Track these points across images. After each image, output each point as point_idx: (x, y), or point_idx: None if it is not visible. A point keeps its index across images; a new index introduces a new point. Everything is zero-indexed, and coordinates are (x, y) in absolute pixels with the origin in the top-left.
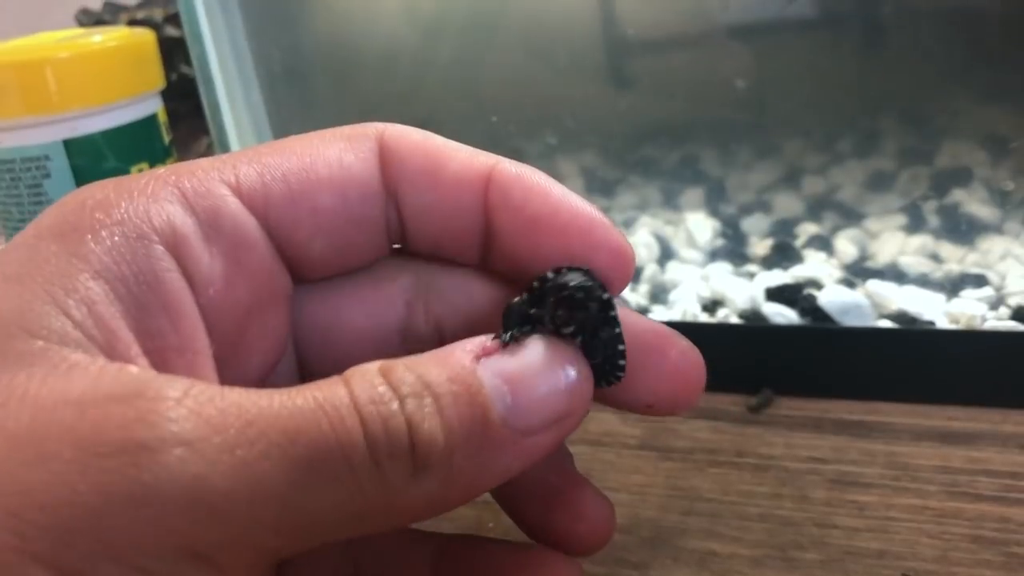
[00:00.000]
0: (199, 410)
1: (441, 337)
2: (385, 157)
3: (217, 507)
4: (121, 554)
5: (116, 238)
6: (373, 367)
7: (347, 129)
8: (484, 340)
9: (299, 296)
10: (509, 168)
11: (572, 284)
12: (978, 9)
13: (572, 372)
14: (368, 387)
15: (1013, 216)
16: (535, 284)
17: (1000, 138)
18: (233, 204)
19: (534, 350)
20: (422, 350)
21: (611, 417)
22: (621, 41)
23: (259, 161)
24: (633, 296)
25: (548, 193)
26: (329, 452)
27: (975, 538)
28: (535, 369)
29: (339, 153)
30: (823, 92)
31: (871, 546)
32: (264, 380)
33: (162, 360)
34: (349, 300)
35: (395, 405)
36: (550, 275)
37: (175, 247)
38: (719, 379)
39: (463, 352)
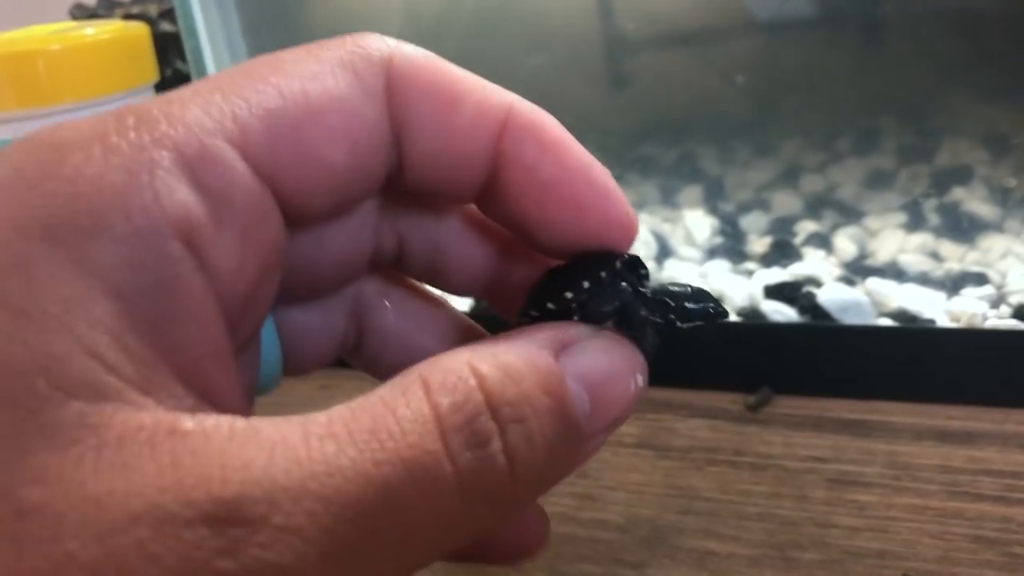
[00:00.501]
0: (288, 525)
1: (402, 252)
2: (394, 94)
3: None
4: None
5: (129, 238)
6: (465, 373)
7: (349, 52)
8: (561, 331)
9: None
10: (525, 115)
11: (711, 308)
12: (978, 8)
13: (641, 380)
14: (463, 423)
15: (1014, 214)
16: (604, 276)
17: (1001, 136)
18: (242, 173)
19: (613, 355)
20: (384, 266)
21: None
22: (620, 38)
23: (262, 107)
24: None
25: (564, 154)
26: (423, 520)
27: (976, 538)
28: (615, 377)
29: (349, 94)
30: (822, 90)
31: (871, 546)
32: (246, 344)
33: (198, 374)
34: (332, 228)
35: (497, 444)
36: (619, 265)
37: (190, 239)
38: (717, 377)
39: (547, 350)
